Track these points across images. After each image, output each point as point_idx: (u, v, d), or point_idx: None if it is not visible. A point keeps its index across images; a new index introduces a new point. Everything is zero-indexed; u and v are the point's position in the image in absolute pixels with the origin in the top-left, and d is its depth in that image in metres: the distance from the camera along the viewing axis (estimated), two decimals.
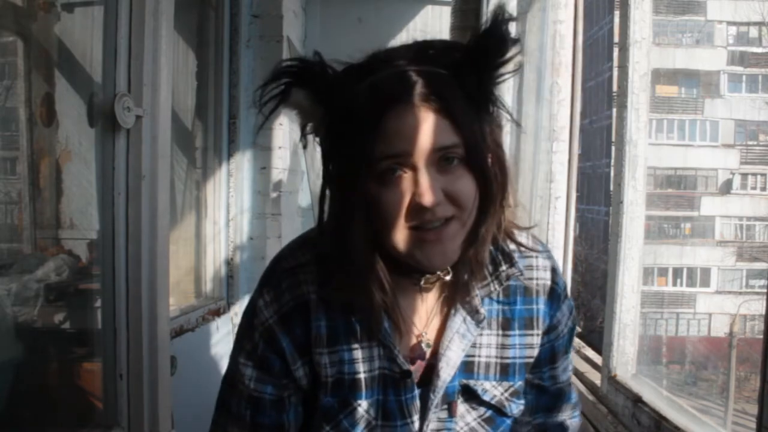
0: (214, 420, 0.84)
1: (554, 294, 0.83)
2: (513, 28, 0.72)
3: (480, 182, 0.70)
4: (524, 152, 2.60)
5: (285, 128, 2.92)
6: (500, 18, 0.69)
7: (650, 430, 1.45)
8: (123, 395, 1.33)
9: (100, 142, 1.33)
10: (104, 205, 1.33)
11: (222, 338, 2.62)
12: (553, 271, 0.83)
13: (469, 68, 0.69)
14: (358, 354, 0.77)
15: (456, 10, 2.72)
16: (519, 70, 0.73)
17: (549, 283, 0.82)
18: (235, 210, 2.81)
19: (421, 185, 0.67)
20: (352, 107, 0.68)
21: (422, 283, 0.76)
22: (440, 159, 0.68)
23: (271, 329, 0.78)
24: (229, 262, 2.79)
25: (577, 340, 2.32)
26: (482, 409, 0.81)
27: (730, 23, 20.08)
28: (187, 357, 2.29)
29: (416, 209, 0.67)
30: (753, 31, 20.17)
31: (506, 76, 0.71)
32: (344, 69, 0.72)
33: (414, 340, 0.79)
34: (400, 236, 0.69)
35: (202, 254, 2.71)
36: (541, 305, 0.82)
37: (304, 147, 0.76)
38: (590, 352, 2.15)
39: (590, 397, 1.83)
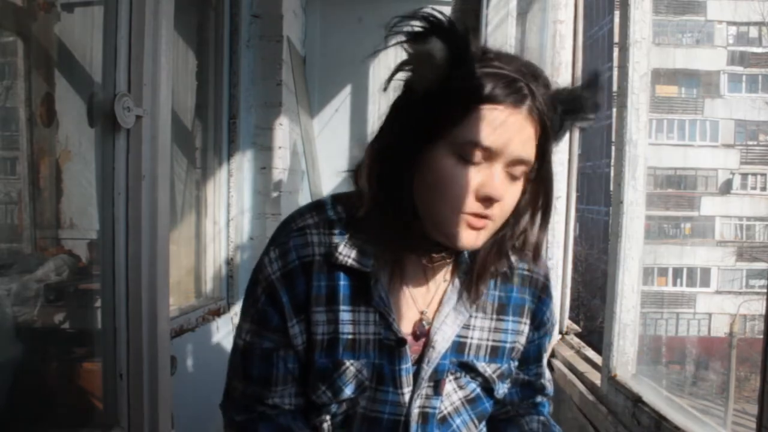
0: (227, 391, 0.88)
1: (546, 292, 0.90)
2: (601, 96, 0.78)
3: (523, 199, 0.79)
4: None
5: (285, 128, 2.92)
6: (599, 81, 0.77)
7: (650, 430, 1.44)
8: (123, 395, 1.33)
9: (100, 142, 1.33)
10: (104, 205, 1.33)
11: (222, 338, 2.62)
12: (547, 275, 0.91)
13: (561, 108, 0.76)
14: (354, 316, 0.80)
15: (456, 10, 2.72)
16: (582, 129, 0.82)
17: (542, 280, 0.90)
18: (235, 210, 2.81)
19: (496, 179, 0.73)
20: (470, 83, 0.71)
21: (426, 261, 0.82)
22: (512, 167, 0.74)
23: (273, 284, 0.80)
24: (229, 262, 2.79)
25: (576, 340, 2.32)
26: (469, 389, 0.85)
27: (730, 23, 20.10)
28: (187, 357, 2.29)
29: (482, 198, 0.73)
30: (753, 31, 20.18)
31: (574, 128, 0.80)
32: (481, 47, 0.76)
33: (417, 317, 0.83)
34: (449, 213, 0.74)
35: (202, 254, 2.71)
36: (529, 296, 0.88)
37: (384, 90, 0.78)
38: (590, 352, 2.14)
39: (590, 397, 1.82)
